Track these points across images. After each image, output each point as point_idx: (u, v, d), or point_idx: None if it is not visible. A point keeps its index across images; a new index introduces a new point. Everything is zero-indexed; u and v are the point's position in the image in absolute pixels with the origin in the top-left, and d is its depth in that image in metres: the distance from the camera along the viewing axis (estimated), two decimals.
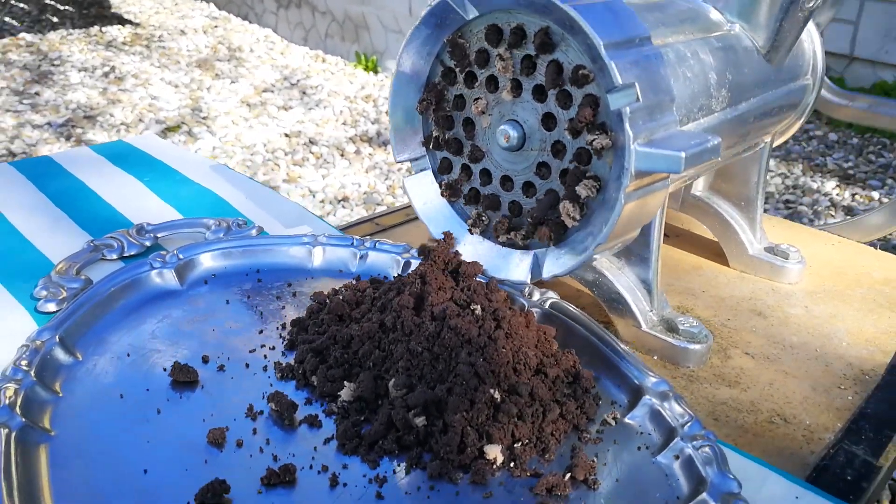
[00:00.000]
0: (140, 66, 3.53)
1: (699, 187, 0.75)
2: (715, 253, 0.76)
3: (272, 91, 3.35)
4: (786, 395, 0.56)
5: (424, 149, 0.57)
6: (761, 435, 0.52)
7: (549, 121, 0.50)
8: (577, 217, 0.49)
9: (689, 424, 0.49)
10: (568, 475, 0.46)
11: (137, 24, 4.11)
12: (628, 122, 0.44)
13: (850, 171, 2.52)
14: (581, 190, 0.48)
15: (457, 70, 0.53)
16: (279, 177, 2.59)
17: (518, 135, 0.51)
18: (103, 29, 3.96)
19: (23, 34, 3.76)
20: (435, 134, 0.56)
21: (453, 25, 0.52)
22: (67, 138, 2.77)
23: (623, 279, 0.60)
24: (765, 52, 0.62)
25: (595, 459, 0.48)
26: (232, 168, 0.82)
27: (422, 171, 0.58)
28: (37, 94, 3.12)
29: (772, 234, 0.78)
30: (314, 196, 2.46)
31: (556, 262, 0.52)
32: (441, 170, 0.57)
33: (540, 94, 0.50)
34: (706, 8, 0.61)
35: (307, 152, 2.80)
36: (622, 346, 0.55)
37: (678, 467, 0.47)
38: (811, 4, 0.59)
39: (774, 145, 0.75)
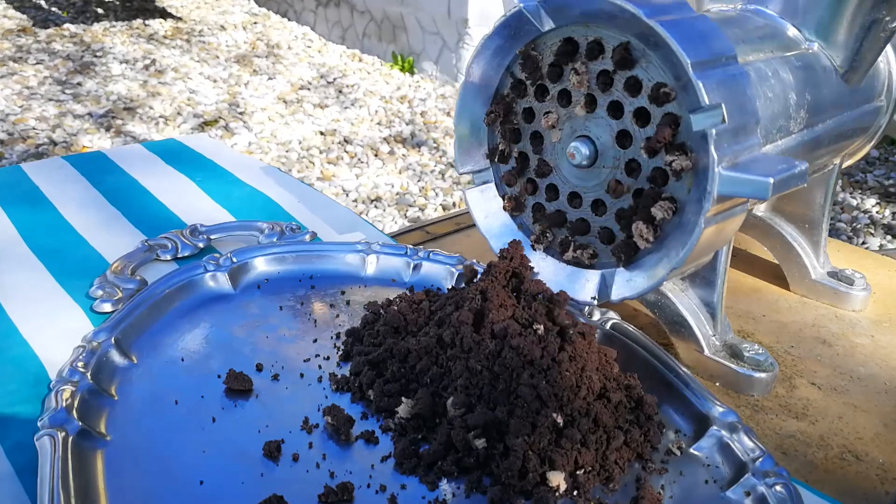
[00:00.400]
0: (180, 59, 3.56)
1: (761, 207, 0.73)
2: (774, 276, 0.74)
3: (309, 89, 3.36)
4: (856, 431, 0.54)
5: (488, 161, 0.56)
6: (832, 472, 0.50)
7: (624, 138, 0.48)
8: (651, 239, 0.48)
9: (760, 460, 0.47)
10: None
11: (179, 19, 4.15)
12: (713, 145, 0.42)
13: (892, 189, 2.47)
14: (657, 212, 0.47)
15: (528, 82, 0.52)
16: (313, 175, 2.60)
17: (589, 151, 0.49)
18: (146, 22, 4.01)
19: (67, 25, 3.81)
20: (500, 146, 0.54)
21: (527, 37, 0.51)
22: (107, 129, 2.80)
23: (686, 301, 0.58)
24: (843, 72, 0.59)
25: (662, 492, 0.46)
26: (264, 162, 0.81)
27: (484, 183, 0.57)
28: (79, 84, 3.16)
29: (834, 258, 0.76)
30: (347, 195, 2.46)
31: (627, 285, 0.50)
32: (505, 183, 0.56)
33: (615, 110, 0.48)
34: (783, 25, 0.59)
35: (342, 151, 2.80)
36: (685, 370, 0.53)
37: None
38: (895, 24, 0.57)
39: (843, 167, 0.72)
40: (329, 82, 3.46)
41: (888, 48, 0.67)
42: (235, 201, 0.75)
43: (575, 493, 0.46)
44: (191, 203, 0.74)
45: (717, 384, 0.58)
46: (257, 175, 0.81)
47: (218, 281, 0.61)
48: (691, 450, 0.49)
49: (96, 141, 2.63)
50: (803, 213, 0.71)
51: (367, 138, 2.90)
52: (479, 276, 0.54)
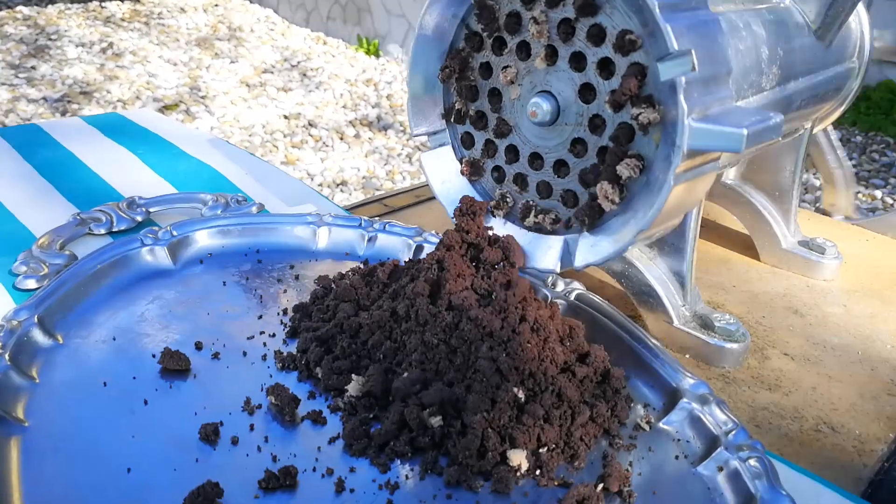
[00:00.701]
0: (139, 42, 3.46)
1: (730, 175, 0.70)
2: (745, 246, 0.71)
3: (272, 72, 3.29)
4: (831, 402, 0.52)
5: (444, 122, 0.52)
6: (808, 444, 0.48)
7: (587, 92, 0.45)
8: (617, 200, 0.44)
9: (733, 433, 0.44)
10: (600, 486, 0.42)
11: (137, 1, 4.04)
12: (683, 94, 0.39)
13: (853, 170, 2.48)
14: (622, 170, 0.43)
15: (484, 35, 0.48)
16: (277, 159, 2.54)
17: (551, 108, 0.46)
18: (102, 4, 3.89)
19: (20, 7, 3.68)
20: (457, 105, 0.51)
21: None
22: (63, 113, 2.71)
23: (654, 270, 0.55)
24: (815, 27, 0.57)
25: (629, 469, 0.43)
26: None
27: (440, 146, 0.53)
28: (33, 68, 3.05)
29: (804, 228, 0.73)
30: (312, 179, 2.41)
31: (591, 250, 0.47)
32: (462, 145, 0.52)
33: (578, 61, 0.45)
34: None
35: (306, 135, 2.75)
36: (654, 342, 0.50)
37: (723, 480, 0.42)
38: None
39: (813, 132, 0.70)
40: (293, 66, 3.39)
41: (860, 8, 0.65)
42: (180, 174, 0.71)
43: (538, 472, 0.42)
44: (131, 176, 0.69)
45: (688, 356, 0.55)
46: (203, 147, 0.76)
47: (156, 255, 0.57)
48: (661, 424, 0.47)
49: None
50: (773, 181, 0.69)
51: (332, 122, 2.85)
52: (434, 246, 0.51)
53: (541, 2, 0.45)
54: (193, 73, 3.19)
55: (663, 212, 0.42)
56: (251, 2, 4.20)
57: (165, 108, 2.85)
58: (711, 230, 0.75)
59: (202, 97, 2.99)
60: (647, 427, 0.46)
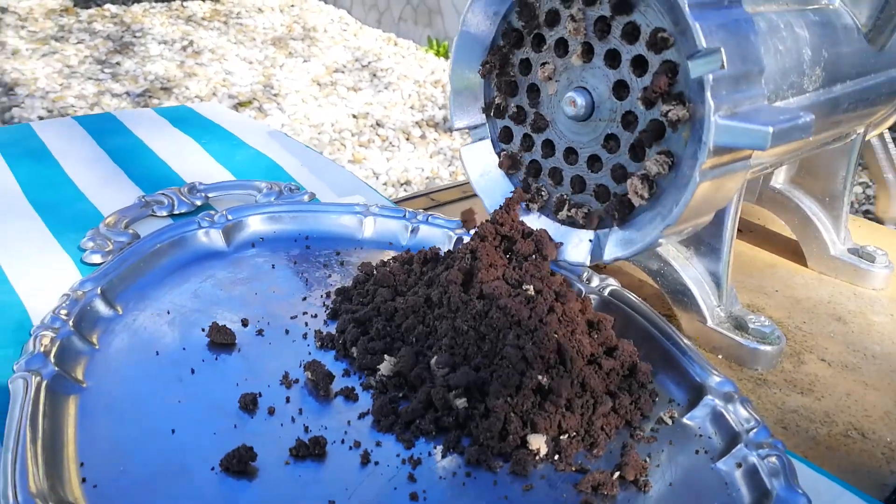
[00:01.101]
0: (217, 41, 3.59)
1: (779, 179, 0.69)
2: (793, 252, 0.71)
3: (343, 72, 3.36)
4: (864, 408, 0.51)
5: (484, 116, 0.54)
6: (835, 449, 0.47)
7: (621, 89, 0.46)
8: (646, 195, 0.45)
9: (755, 430, 0.45)
10: (617, 474, 0.43)
11: (217, 1, 4.18)
12: (710, 92, 0.40)
13: None
14: (652, 166, 0.44)
15: (524, 31, 0.50)
16: (345, 157, 2.60)
17: (586, 103, 0.47)
18: (184, 4, 4.04)
19: (108, 5, 3.86)
20: (497, 101, 0.53)
21: None
22: (144, 108, 2.83)
23: (690, 270, 0.55)
24: (866, 31, 0.56)
25: (648, 460, 0.44)
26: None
27: (480, 140, 0.55)
28: (118, 63, 3.20)
29: (857, 235, 0.72)
30: (377, 178, 2.46)
31: (620, 245, 0.48)
32: (501, 139, 0.54)
33: (613, 59, 0.46)
34: None
35: (374, 134, 2.80)
36: (685, 340, 0.51)
37: (740, 476, 0.43)
38: None
39: (867, 138, 0.69)
40: (364, 66, 3.46)
41: None
42: (238, 163, 0.74)
43: (556, 457, 0.44)
44: (193, 163, 0.74)
45: (720, 357, 0.55)
46: (262, 138, 0.80)
47: (211, 237, 0.61)
48: (684, 419, 0.47)
49: None
50: (824, 186, 0.68)
51: (399, 122, 2.89)
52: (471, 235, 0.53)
53: (578, 0, 0.46)
54: (267, 72, 3.29)
55: (690, 208, 0.43)
56: (326, 3, 4.30)
57: (239, 105, 2.95)
58: (759, 235, 0.75)
59: (275, 95, 3.08)
60: (669, 421, 0.47)
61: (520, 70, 0.51)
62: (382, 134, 2.81)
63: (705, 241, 0.55)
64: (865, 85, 0.58)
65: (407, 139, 2.79)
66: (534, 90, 0.51)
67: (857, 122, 0.62)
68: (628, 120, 0.46)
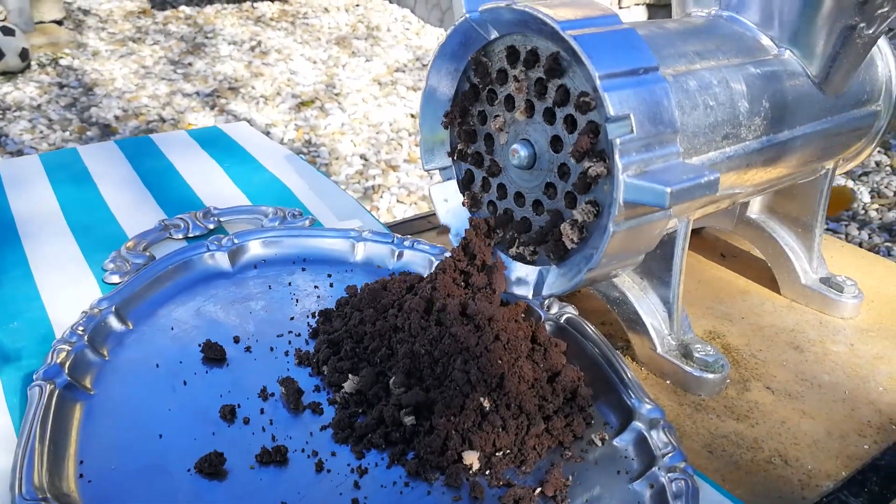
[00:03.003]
0: (284, 41, 3.72)
1: (755, 209, 0.72)
2: (769, 279, 0.73)
3: (404, 71, 3.44)
4: (795, 436, 0.55)
5: (450, 159, 0.60)
6: (754, 473, 0.51)
7: (556, 143, 0.51)
8: (576, 240, 0.50)
9: (670, 455, 0.49)
10: (538, 490, 0.48)
11: (285, 1, 4.32)
12: (618, 153, 0.44)
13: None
14: (577, 214, 0.49)
15: (479, 87, 0.55)
16: (400, 156, 2.67)
17: (528, 154, 0.52)
18: (254, 5, 4.20)
19: (182, 7, 4.05)
20: (460, 146, 0.58)
21: (477, 44, 0.54)
22: (212, 108, 2.97)
23: (644, 300, 0.60)
24: (818, 81, 0.59)
25: (570, 478, 0.49)
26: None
27: (448, 179, 0.60)
28: (190, 64, 3.36)
29: (841, 260, 0.74)
30: (431, 178, 2.52)
31: (556, 282, 0.53)
32: (465, 181, 0.59)
33: (550, 116, 0.51)
34: (756, 34, 0.59)
35: None
36: (629, 371, 0.55)
37: (649, 497, 0.48)
38: (871, 31, 0.56)
39: (841, 171, 0.71)
40: (424, 65, 3.52)
41: (887, 52, 0.65)
42: (254, 187, 0.82)
43: (487, 472, 0.49)
44: (214, 187, 0.82)
45: (668, 382, 0.60)
46: (279, 162, 0.87)
47: (217, 260, 0.68)
48: (614, 442, 0.52)
49: (201, 119, 2.81)
50: (797, 217, 0.70)
51: None
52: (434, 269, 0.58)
53: (520, 62, 0.51)
54: (330, 71, 3.39)
55: (608, 255, 0.47)
56: (390, 2, 4.38)
57: (301, 105, 3.06)
58: (741, 261, 0.77)
59: (336, 94, 3.18)
60: (600, 443, 0.52)
61: (478, 120, 0.56)
62: None
63: (657, 274, 0.59)
64: (822, 127, 0.61)
65: None
66: (489, 139, 0.56)
67: (824, 158, 0.65)
68: (563, 171, 0.51)
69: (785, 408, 0.58)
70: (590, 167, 0.47)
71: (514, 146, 0.52)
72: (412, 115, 3.00)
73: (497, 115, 0.54)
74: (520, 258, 0.56)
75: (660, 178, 0.44)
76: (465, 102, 0.56)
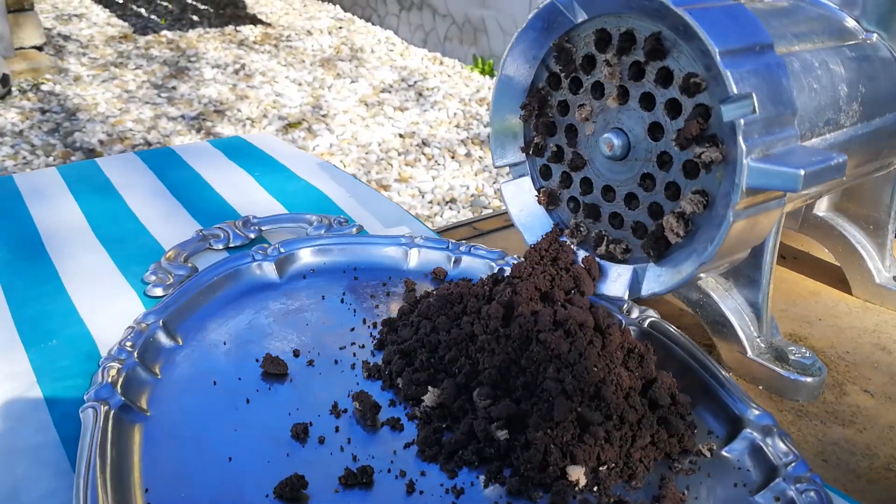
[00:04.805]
0: (268, 64, 3.68)
1: (822, 207, 0.69)
2: (836, 279, 0.70)
3: (390, 91, 3.41)
4: None
5: (524, 154, 0.56)
6: (876, 482, 0.48)
7: (656, 130, 0.48)
8: (682, 233, 0.47)
9: (793, 465, 0.45)
10: None
11: (268, 25, 4.29)
12: (741, 136, 0.41)
13: None
14: (686, 205, 0.45)
15: (562, 75, 0.52)
16: (391, 176, 2.64)
17: (622, 143, 0.48)
18: (237, 28, 4.16)
19: (165, 31, 4.00)
20: (536, 140, 0.54)
21: (561, 29, 0.50)
22: (198, 130, 2.92)
23: (730, 301, 0.56)
24: None
25: (686, 493, 0.45)
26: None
27: (520, 177, 0.57)
28: (174, 88, 3.31)
29: None
30: (423, 196, 2.49)
31: (657, 280, 0.49)
32: (540, 176, 0.56)
33: (648, 102, 0.47)
34: (840, 16, 0.56)
35: (419, 153, 2.84)
36: (724, 373, 0.52)
37: None
38: None
39: None
40: (410, 85, 3.51)
41: None
42: (290, 195, 0.78)
43: (595, 488, 0.45)
44: (247, 196, 0.77)
45: (760, 388, 0.56)
46: (312, 170, 0.83)
47: (264, 270, 0.64)
48: (723, 452, 0.48)
49: (187, 142, 2.75)
50: (868, 214, 0.68)
51: (444, 140, 2.93)
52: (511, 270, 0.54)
53: (613, 46, 0.48)
54: (316, 93, 3.36)
55: (724, 247, 0.44)
56: (373, 24, 4.37)
57: (289, 126, 3.02)
58: (802, 262, 0.75)
59: (323, 116, 3.14)
60: (708, 454, 0.48)
61: (558, 111, 0.53)
62: (428, 153, 2.84)
63: (744, 273, 0.55)
64: None
65: (452, 157, 2.82)
66: (572, 130, 0.52)
67: None
68: (663, 160, 0.47)
69: (889, 411, 0.54)
70: (702, 153, 0.44)
71: (607, 135, 0.49)
72: (401, 136, 2.97)
73: (582, 105, 0.51)
74: (609, 257, 0.52)
75: (789, 161, 0.40)
76: (543, 92, 0.53)
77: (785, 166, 0.40)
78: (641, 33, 0.46)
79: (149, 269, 0.63)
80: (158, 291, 0.61)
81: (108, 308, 0.59)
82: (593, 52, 0.49)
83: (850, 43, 0.54)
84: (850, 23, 0.56)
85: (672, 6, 0.42)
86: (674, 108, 0.46)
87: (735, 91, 0.41)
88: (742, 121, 0.41)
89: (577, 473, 0.45)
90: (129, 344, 0.53)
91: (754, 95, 0.41)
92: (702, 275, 0.47)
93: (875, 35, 0.56)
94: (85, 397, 0.48)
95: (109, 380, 0.49)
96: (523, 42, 0.52)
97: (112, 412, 0.47)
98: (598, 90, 0.50)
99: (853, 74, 0.52)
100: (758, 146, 0.41)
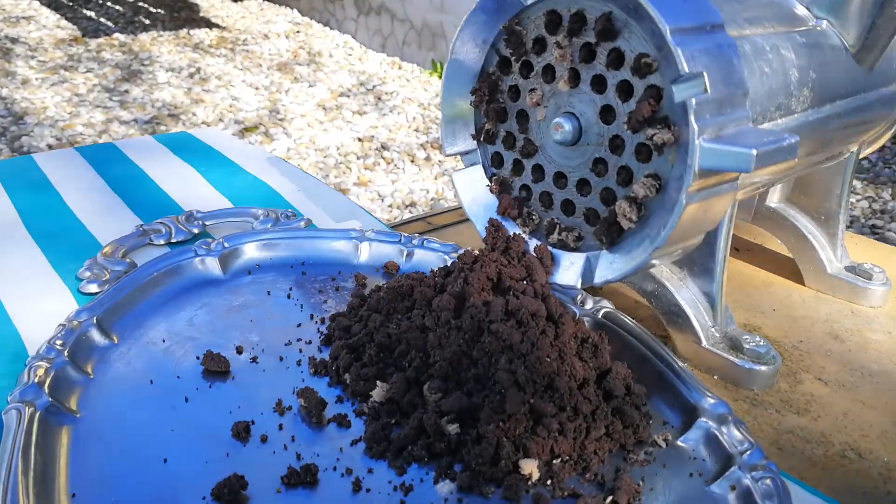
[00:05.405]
0: (224, 67, 3.63)
1: (774, 198, 0.69)
2: (790, 270, 0.70)
3: (348, 96, 3.39)
4: (861, 428, 0.51)
5: (475, 142, 0.54)
6: (831, 469, 0.47)
7: (607, 114, 0.46)
8: (635, 218, 0.45)
9: (748, 452, 0.44)
10: (609, 498, 0.42)
11: (224, 28, 4.23)
12: (693, 116, 0.40)
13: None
14: (639, 189, 0.44)
15: (512, 59, 0.50)
16: (350, 180, 2.61)
17: (573, 128, 0.47)
18: (191, 32, 4.09)
19: (116, 34, 3.92)
20: (487, 127, 0.53)
21: (510, 11, 0.49)
22: (152, 134, 2.85)
23: (685, 291, 0.55)
24: (855, 51, 0.56)
25: (641, 483, 0.44)
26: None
27: (472, 165, 0.55)
28: (126, 91, 3.24)
29: (854, 252, 0.72)
30: (383, 200, 2.47)
31: (610, 267, 0.48)
32: (492, 164, 0.54)
33: (599, 84, 0.46)
34: (791, 2, 0.56)
35: (379, 157, 2.81)
36: (679, 363, 0.51)
37: (734, 499, 0.43)
38: None
39: (861, 156, 0.69)
40: (368, 89, 3.48)
41: None
42: (236, 189, 0.75)
43: (549, 482, 0.44)
44: (192, 191, 0.74)
45: (716, 377, 0.55)
46: (261, 165, 0.81)
47: (207, 265, 0.61)
48: (678, 442, 0.47)
49: None
50: (819, 205, 0.68)
51: (404, 144, 2.91)
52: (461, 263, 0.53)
53: (564, 28, 0.47)
54: (273, 97, 3.32)
55: (677, 230, 0.43)
56: (331, 28, 4.34)
57: (245, 130, 2.97)
58: (756, 253, 0.74)
59: (280, 119, 3.10)
60: (663, 444, 0.47)
61: (509, 96, 0.51)
62: (387, 156, 2.82)
63: (699, 262, 0.55)
64: (856, 104, 0.58)
65: (412, 161, 2.80)
66: (523, 116, 0.51)
67: (850, 140, 0.62)
68: (615, 144, 0.46)
69: (843, 399, 0.54)
70: (654, 135, 0.43)
71: (557, 120, 0.47)
72: (360, 139, 2.95)
73: (533, 89, 0.50)
74: (562, 245, 0.51)
75: (741, 141, 0.40)
76: (493, 77, 0.51)
77: (737, 146, 0.39)
78: (592, 14, 0.45)
79: (83, 265, 0.60)
80: (93, 288, 0.58)
81: (39, 306, 0.56)
82: (544, 34, 0.48)
83: (801, 29, 0.54)
84: (801, 10, 0.56)
85: None
86: (625, 90, 0.45)
87: (686, 70, 0.40)
88: (693, 100, 0.40)
89: (530, 467, 0.44)
90: (59, 342, 0.50)
91: (705, 74, 0.40)
92: (655, 261, 0.46)
93: (825, 22, 0.56)
94: (9, 398, 0.45)
95: (36, 380, 0.46)
96: (472, 25, 0.50)
97: (38, 413, 0.44)
98: (549, 73, 0.49)
99: (804, 60, 0.52)
100: (710, 126, 0.41)
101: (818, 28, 0.55)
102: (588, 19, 0.46)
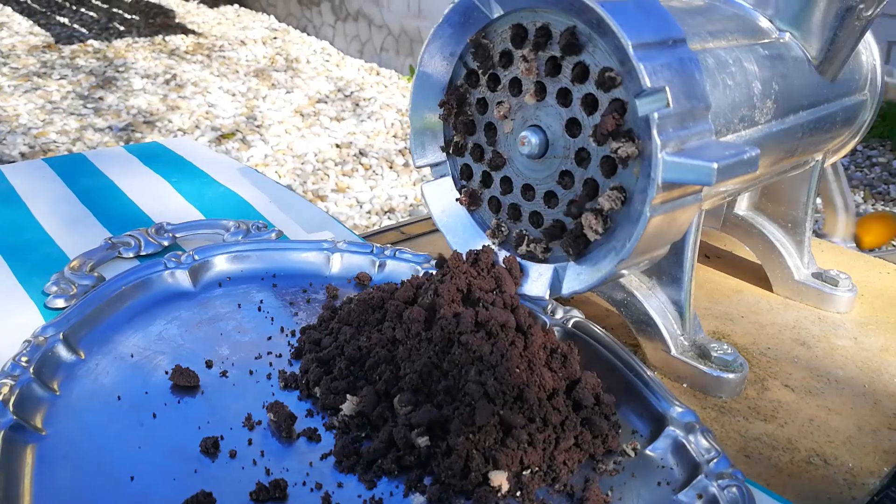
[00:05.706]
0: (200, 74, 3.61)
1: (742, 206, 0.70)
2: (758, 277, 0.71)
3: (326, 102, 3.38)
4: (827, 434, 0.51)
5: (444, 154, 0.55)
6: (797, 476, 0.48)
7: (573, 127, 0.47)
8: (601, 230, 0.46)
9: (715, 461, 0.45)
10: None
11: (200, 34, 4.21)
12: (656, 129, 0.41)
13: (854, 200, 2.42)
14: (604, 202, 0.45)
15: (480, 72, 0.51)
16: (328, 186, 2.61)
17: (539, 141, 0.48)
18: (167, 38, 4.07)
19: (91, 41, 3.88)
20: (456, 139, 0.53)
21: (477, 24, 0.49)
22: (127, 142, 2.83)
23: (653, 300, 0.56)
24: (817, 63, 0.57)
25: (610, 493, 0.44)
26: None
27: (442, 177, 0.55)
28: (100, 98, 3.21)
29: (822, 259, 0.73)
30: (361, 206, 2.47)
31: (577, 279, 0.48)
32: (462, 176, 0.54)
33: (564, 97, 0.47)
34: (754, 15, 0.57)
35: (357, 163, 2.81)
36: (648, 372, 0.51)
37: None
38: (869, 13, 0.55)
39: (827, 164, 0.70)
40: (346, 96, 3.48)
41: (871, 42, 0.65)
42: (208, 201, 0.75)
43: (518, 493, 0.44)
44: (163, 203, 0.74)
45: (685, 385, 0.56)
46: (232, 176, 0.80)
47: (177, 278, 0.61)
48: (646, 451, 0.47)
49: None
50: (786, 212, 0.69)
51: (382, 150, 2.91)
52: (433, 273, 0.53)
53: (530, 42, 0.47)
54: (250, 103, 3.30)
55: (642, 242, 0.43)
56: (308, 34, 4.33)
57: (222, 137, 2.95)
58: (726, 261, 0.75)
59: (258, 126, 3.09)
60: (632, 453, 0.47)
61: (477, 109, 0.52)
62: (366, 163, 2.82)
63: (667, 271, 0.55)
64: (819, 114, 0.59)
65: (390, 167, 2.80)
66: (491, 128, 0.51)
67: (815, 149, 0.63)
68: (581, 157, 0.47)
69: (809, 405, 0.55)
70: (619, 148, 0.43)
71: (524, 133, 0.48)
72: (337, 146, 2.94)
73: (500, 102, 0.50)
74: (530, 256, 0.51)
75: (702, 155, 0.40)
76: (462, 90, 0.52)
77: (698, 160, 0.40)
78: (557, 28, 0.46)
79: (50, 280, 0.59)
80: (60, 303, 0.57)
81: (4, 322, 0.55)
82: (510, 47, 0.49)
83: (764, 41, 0.55)
84: (764, 22, 0.57)
85: (586, 0, 0.41)
86: (590, 103, 0.46)
87: (648, 84, 0.40)
88: (656, 115, 0.40)
89: (500, 479, 0.44)
90: (24, 359, 0.49)
91: (668, 89, 0.41)
92: (622, 272, 0.46)
93: (788, 34, 0.57)
94: None
95: (0, 398, 0.46)
96: (440, 38, 0.51)
97: (1, 432, 0.43)
98: (515, 87, 0.49)
99: (767, 72, 0.53)
100: (672, 140, 0.41)
101: (781, 41, 0.56)
102: (553, 33, 0.46)
